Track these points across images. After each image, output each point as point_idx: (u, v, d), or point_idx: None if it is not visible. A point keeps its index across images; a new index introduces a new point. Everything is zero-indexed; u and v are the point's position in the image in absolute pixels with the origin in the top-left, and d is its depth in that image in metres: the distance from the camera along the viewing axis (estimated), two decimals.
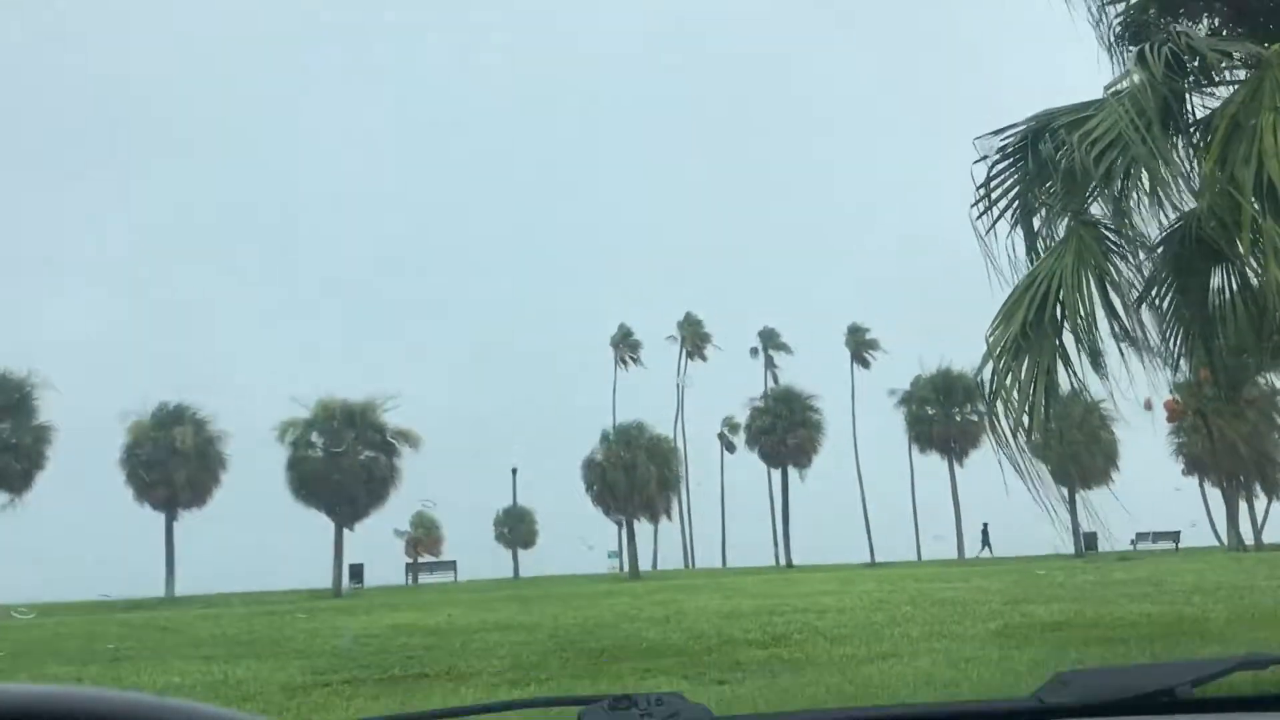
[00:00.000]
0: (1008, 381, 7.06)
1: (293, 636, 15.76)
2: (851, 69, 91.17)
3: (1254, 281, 6.50)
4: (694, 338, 62.41)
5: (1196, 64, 7.06)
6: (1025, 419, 6.98)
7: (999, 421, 7.02)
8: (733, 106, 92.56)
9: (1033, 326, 7.03)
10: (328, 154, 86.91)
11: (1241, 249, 6.53)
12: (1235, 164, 6.45)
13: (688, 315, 62.66)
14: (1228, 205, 6.48)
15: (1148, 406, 8.69)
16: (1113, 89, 7.31)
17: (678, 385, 60.99)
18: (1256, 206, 6.30)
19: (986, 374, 7.30)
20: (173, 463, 46.18)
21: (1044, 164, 7.38)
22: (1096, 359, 7.08)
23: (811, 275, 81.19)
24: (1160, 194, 6.93)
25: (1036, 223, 7.64)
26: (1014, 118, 7.84)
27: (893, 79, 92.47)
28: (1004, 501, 7.21)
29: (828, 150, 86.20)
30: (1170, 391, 8.10)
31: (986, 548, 49.73)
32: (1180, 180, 7.03)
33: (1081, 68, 8.22)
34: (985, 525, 50.08)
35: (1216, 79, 7.20)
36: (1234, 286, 7.22)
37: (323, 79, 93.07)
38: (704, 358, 62.32)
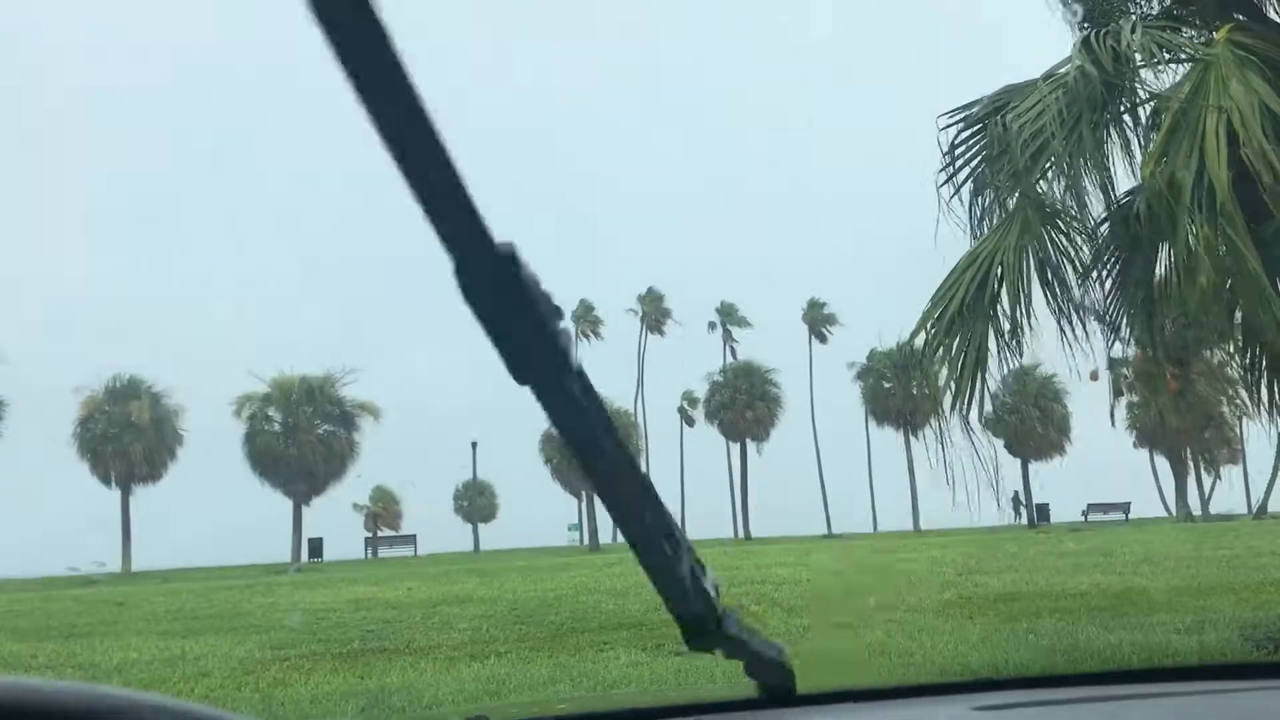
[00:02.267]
0: (938, 354, 7.17)
1: (250, 611, 15.69)
2: (816, 43, 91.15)
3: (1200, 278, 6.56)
4: (655, 313, 62.44)
5: (1140, 53, 7.12)
6: (952, 389, 7.09)
7: (929, 391, 7.17)
8: (697, 86, 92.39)
9: (970, 304, 7.12)
10: (286, 125, 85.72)
11: (1175, 250, 6.60)
12: (1176, 163, 6.51)
13: (649, 290, 62.67)
14: (1164, 205, 6.57)
15: (1093, 378, 8.84)
16: (1050, 74, 7.35)
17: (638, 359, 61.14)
18: (1193, 207, 6.35)
19: (919, 342, 7.42)
20: (128, 437, 45.70)
21: (997, 139, 7.45)
22: (1017, 339, 7.20)
23: (771, 250, 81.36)
24: (1090, 180, 7.02)
25: (990, 197, 7.72)
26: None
27: (859, 54, 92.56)
28: (958, 473, 7.33)
29: (789, 125, 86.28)
30: (1108, 368, 8.21)
31: (1018, 516, 48.84)
32: (1100, 172, 7.11)
33: (1057, 48, 8.26)
34: (1016, 493, 49.28)
35: (1161, 67, 7.26)
36: (1176, 266, 7.33)
37: (286, 59, 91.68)
38: (662, 333, 62.45)
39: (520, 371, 0.84)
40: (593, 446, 0.93)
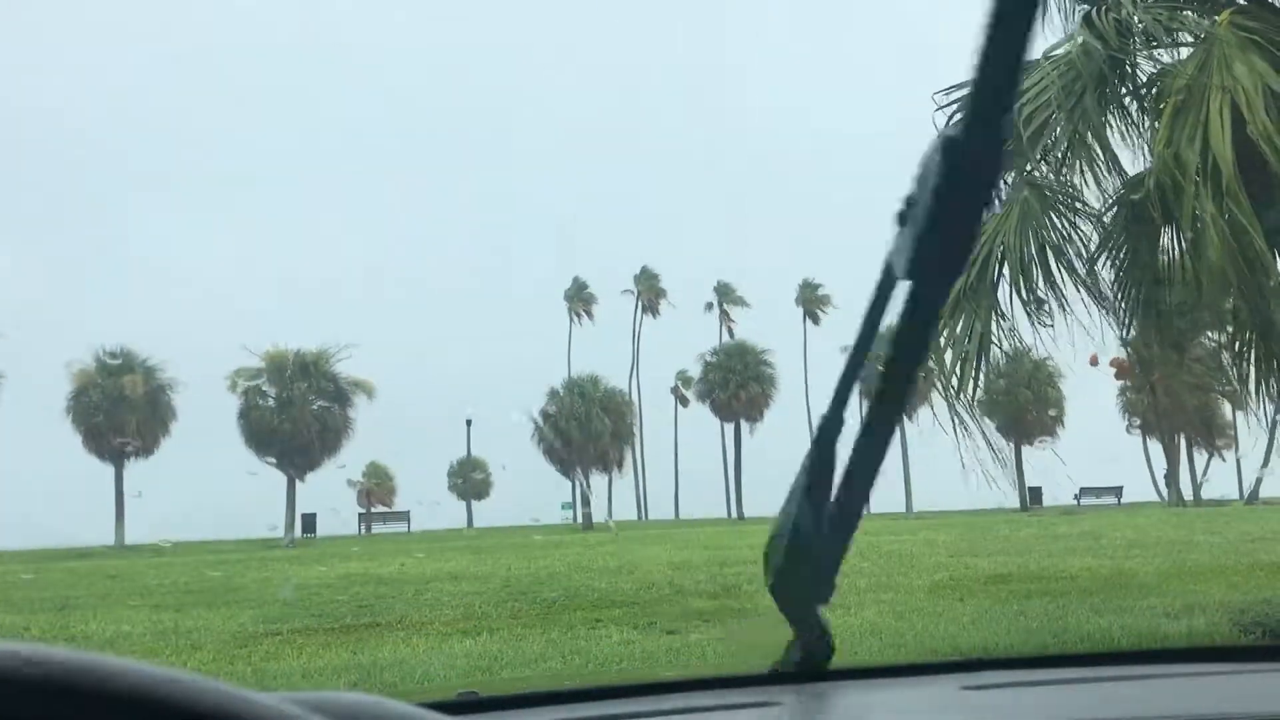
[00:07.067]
0: (942, 336, 7.16)
1: (243, 585, 15.72)
2: (809, 19, 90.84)
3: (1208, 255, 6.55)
4: (650, 292, 62.37)
5: (1142, 30, 7.09)
6: (957, 375, 7.09)
7: (936, 377, 7.15)
8: (689, 64, 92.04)
9: (972, 287, 7.11)
10: (282, 95, 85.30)
11: (1183, 230, 6.60)
12: (1181, 143, 6.50)
13: (644, 269, 62.60)
14: (1172, 184, 6.55)
15: (1093, 362, 8.84)
16: (1051, 52, 7.32)
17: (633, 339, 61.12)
18: (1200, 185, 6.35)
19: None
20: (121, 410, 45.57)
21: None
22: (1040, 313, 7.17)
23: (767, 232, 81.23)
24: (1091, 160, 7.00)
25: None
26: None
27: (853, 29, 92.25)
28: (950, 456, 7.34)
29: (784, 106, 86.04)
30: (1123, 346, 8.17)
31: (1172, 497, 47.63)
32: (1107, 149, 7.08)
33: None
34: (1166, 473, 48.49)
35: (1166, 44, 7.23)
36: (1181, 248, 7.31)
37: (282, 27, 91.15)
38: (656, 313, 62.41)
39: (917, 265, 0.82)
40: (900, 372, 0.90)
